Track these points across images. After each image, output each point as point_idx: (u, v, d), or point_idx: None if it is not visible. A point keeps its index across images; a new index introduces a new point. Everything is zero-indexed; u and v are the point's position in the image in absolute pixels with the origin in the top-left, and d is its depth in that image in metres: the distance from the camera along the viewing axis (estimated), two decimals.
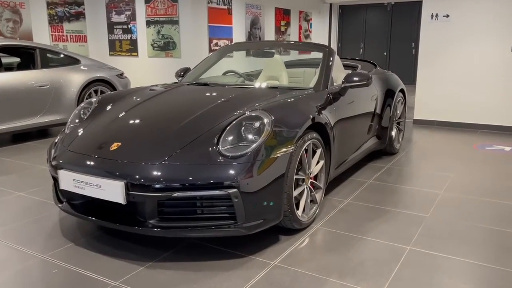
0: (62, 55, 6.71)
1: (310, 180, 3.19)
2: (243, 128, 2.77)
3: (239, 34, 10.83)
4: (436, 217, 3.36)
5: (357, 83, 3.74)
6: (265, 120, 2.78)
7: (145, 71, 10.23)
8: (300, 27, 13.24)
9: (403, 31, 14.60)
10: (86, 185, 2.66)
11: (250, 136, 2.72)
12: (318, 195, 3.31)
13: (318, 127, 3.25)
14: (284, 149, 2.76)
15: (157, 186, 2.52)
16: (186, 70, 4.67)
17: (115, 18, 10.56)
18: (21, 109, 5.91)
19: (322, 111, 3.31)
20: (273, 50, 4.63)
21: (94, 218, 2.74)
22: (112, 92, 4.01)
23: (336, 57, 4.18)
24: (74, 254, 2.76)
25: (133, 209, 2.63)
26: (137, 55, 10.44)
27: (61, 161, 2.88)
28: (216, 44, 10.13)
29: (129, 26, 10.40)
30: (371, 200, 3.73)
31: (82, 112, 3.47)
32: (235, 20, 10.86)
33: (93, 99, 3.60)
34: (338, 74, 4.15)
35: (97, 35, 10.63)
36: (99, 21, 10.70)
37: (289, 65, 5.08)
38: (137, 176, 2.55)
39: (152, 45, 10.11)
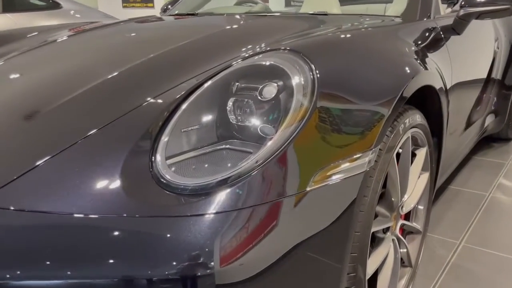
0: None
1: (401, 222, 1.39)
2: (231, 100, 0.98)
3: None
4: None
5: (491, 8, 1.82)
6: (295, 78, 0.97)
7: None
8: None
9: None
10: None
11: (254, 123, 0.94)
12: (413, 248, 1.50)
13: (420, 99, 1.41)
14: (347, 163, 0.96)
15: None
16: (176, 1, 2.87)
17: None
18: None
19: (427, 61, 1.45)
20: None
21: None
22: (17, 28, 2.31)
23: None
24: None
25: None
26: (153, 6, 8.70)
27: None
28: None
29: None
30: (506, 240, 1.89)
31: None
32: None
33: None
34: None
35: None
36: None
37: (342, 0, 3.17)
38: None
39: None
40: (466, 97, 2.02)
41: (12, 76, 1.49)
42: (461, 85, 1.83)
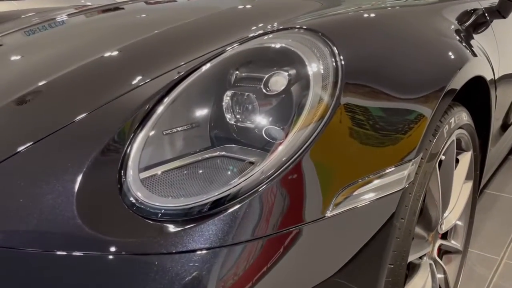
0: None
1: (439, 242, 1.15)
2: (229, 93, 0.75)
3: None
4: None
5: None
6: (312, 65, 0.74)
7: None
8: None
9: None
10: None
11: (257, 123, 0.72)
12: (452, 270, 1.27)
13: (465, 92, 1.16)
14: (381, 179, 0.73)
15: None
16: None
17: None
18: None
19: (475, 47, 1.19)
20: None
21: None
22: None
23: None
24: None
25: None
26: None
27: None
28: None
29: None
30: None
31: None
32: None
33: None
34: None
35: None
36: None
37: None
38: None
39: None
40: (509, 90, 1.76)
41: None
42: (507, 76, 1.57)
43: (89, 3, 5.21)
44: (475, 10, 1.45)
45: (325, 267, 0.69)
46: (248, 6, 1.34)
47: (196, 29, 1.10)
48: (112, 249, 0.61)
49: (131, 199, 0.65)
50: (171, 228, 0.63)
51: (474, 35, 1.24)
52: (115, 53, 1.01)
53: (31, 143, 0.74)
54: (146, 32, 1.12)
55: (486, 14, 1.46)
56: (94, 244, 0.62)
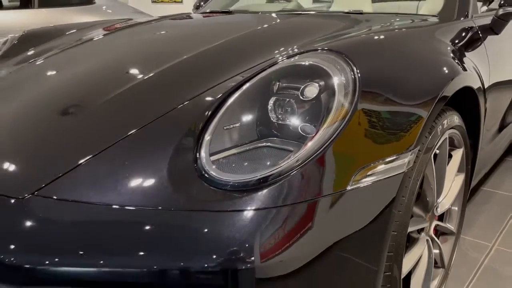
0: None
1: (435, 223, 1.39)
2: (273, 99, 1.00)
3: None
4: None
5: None
6: (335, 79, 0.99)
7: None
8: None
9: None
10: None
11: (294, 122, 0.96)
12: (446, 249, 1.50)
13: (457, 99, 1.40)
14: (387, 163, 0.98)
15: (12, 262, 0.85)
16: None
17: None
18: None
19: (466, 62, 1.44)
20: None
21: None
22: (46, 27, 2.28)
23: None
24: None
25: None
26: (181, 1, 8.78)
27: None
28: None
29: None
30: None
31: None
32: None
33: (6, 38, 1.96)
34: None
35: None
36: None
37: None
38: None
39: None
40: (502, 98, 1.99)
41: (53, 74, 1.53)
42: (498, 86, 1.80)
43: (110, 11, 5.49)
44: (470, 28, 1.69)
45: (346, 227, 0.93)
46: (280, 27, 1.59)
47: (237, 47, 1.36)
48: (193, 207, 0.86)
49: (204, 174, 0.90)
50: (233, 195, 0.87)
51: (466, 52, 1.48)
52: (176, 66, 1.27)
53: (124, 135, 1.00)
54: (195, 48, 1.37)
55: (480, 32, 1.70)
56: (179, 204, 0.86)
